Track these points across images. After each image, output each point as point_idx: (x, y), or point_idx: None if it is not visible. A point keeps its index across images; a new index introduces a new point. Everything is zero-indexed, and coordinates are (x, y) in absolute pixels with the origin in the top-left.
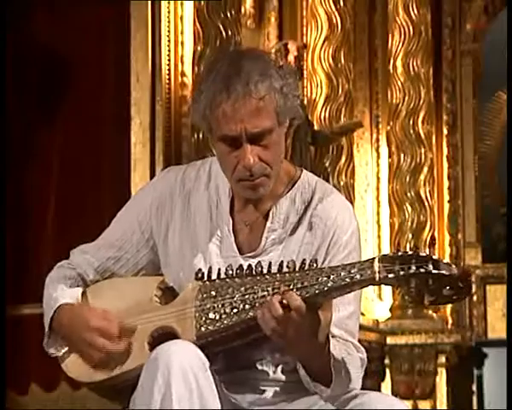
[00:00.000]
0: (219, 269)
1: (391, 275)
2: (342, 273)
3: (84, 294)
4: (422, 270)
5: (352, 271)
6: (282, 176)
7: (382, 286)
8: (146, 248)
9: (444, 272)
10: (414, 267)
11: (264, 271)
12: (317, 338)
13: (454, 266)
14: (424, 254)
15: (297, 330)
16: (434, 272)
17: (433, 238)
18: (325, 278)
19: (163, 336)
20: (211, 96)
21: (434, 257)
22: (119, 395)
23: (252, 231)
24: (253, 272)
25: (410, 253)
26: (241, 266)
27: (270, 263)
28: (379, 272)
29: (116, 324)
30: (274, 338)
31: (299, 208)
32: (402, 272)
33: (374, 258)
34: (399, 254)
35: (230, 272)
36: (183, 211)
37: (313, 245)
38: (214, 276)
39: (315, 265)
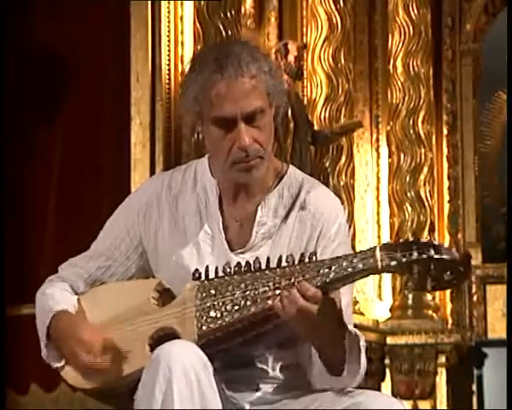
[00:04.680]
0: (217, 267)
1: (393, 262)
2: (344, 264)
3: (78, 300)
4: (424, 256)
5: (354, 260)
6: (270, 170)
7: (382, 286)
8: (135, 255)
9: (445, 256)
10: (416, 253)
11: (263, 266)
12: (335, 322)
13: (455, 251)
14: (425, 241)
15: (314, 318)
16: (436, 257)
17: (432, 224)
18: (327, 270)
19: (164, 337)
20: (202, 79)
21: (435, 242)
22: (118, 399)
23: (242, 226)
24: (252, 269)
25: (411, 239)
26: (239, 263)
27: (268, 258)
28: (381, 260)
29: (102, 342)
30: (293, 326)
31: (287, 202)
32: (404, 259)
33: (375, 247)
34: (400, 241)
35: (228, 269)
36: (171, 215)
37: (303, 238)
38: (212, 275)
39: (314, 257)
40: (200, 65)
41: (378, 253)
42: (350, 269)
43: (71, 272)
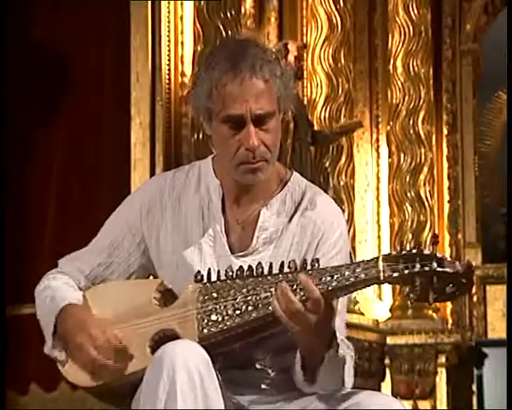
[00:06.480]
0: (219, 271)
1: (395, 274)
2: (346, 273)
3: (83, 297)
4: (427, 268)
5: (357, 270)
6: (273, 175)
7: (382, 286)
8: (137, 252)
9: (448, 269)
10: (418, 266)
11: (265, 272)
12: (329, 330)
13: (458, 263)
14: (428, 253)
15: (312, 323)
16: (439, 270)
17: (435, 236)
18: (329, 278)
19: (165, 338)
20: (216, 76)
21: (438, 255)
22: (118, 398)
23: (244, 229)
24: (254, 273)
25: (414, 251)
26: (241, 267)
27: (270, 264)
28: (383, 271)
29: (110, 339)
30: (289, 328)
31: (290, 209)
32: (406, 271)
33: (378, 257)
34: (403, 252)
35: (231, 273)
36: (174, 214)
37: (303, 245)
38: (214, 278)
39: (317, 265)
40: (217, 62)
41: (381, 264)
42: (352, 279)
43: (71, 267)
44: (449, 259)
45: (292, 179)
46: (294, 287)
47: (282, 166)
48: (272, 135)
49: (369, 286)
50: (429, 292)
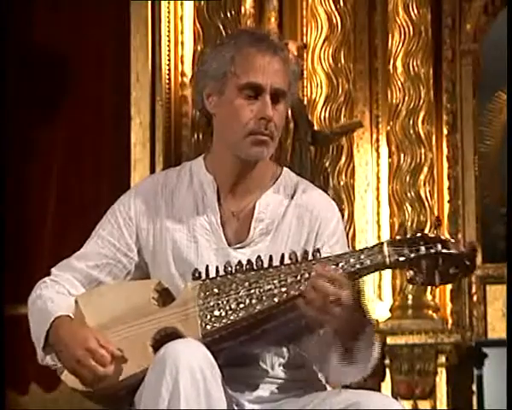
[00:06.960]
0: (217, 267)
1: (402, 258)
2: (351, 260)
3: (75, 303)
4: (432, 251)
5: (362, 256)
6: (267, 170)
7: (382, 286)
8: (132, 252)
9: (453, 251)
10: (423, 249)
11: (265, 264)
12: (361, 309)
13: (461, 245)
14: (433, 235)
15: (350, 303)
16: (444, 251)
17: (438, 219)
18: (333, 266)
19: (166, 337)
20: (239, 45)
21: (442, 237)
22: (117, 402)
23: (239, 221)
24: (255, 267)
25: (419, 235)
26: (240, 261)
27: (270, 256)
28: (389, 256)
29: (107, 348)
30: (320, 318)
31: (284, 201)
32: (412, 255)
33: (382, 243)
34: (408, 237)
35: (229, 268)
36: (167, 211)
37: (302, 235)
38: (213, 274)
39: (318, 255)
40: (237, 38)
41: (386, 249)
42: (358, 265)
43: (66, 274)
44: (452, 240)
45: (283, 173)
46: (299, 278)
47: (272, 162)
48: (281, 115)
49: (375, 272)
50: (435, 275)
